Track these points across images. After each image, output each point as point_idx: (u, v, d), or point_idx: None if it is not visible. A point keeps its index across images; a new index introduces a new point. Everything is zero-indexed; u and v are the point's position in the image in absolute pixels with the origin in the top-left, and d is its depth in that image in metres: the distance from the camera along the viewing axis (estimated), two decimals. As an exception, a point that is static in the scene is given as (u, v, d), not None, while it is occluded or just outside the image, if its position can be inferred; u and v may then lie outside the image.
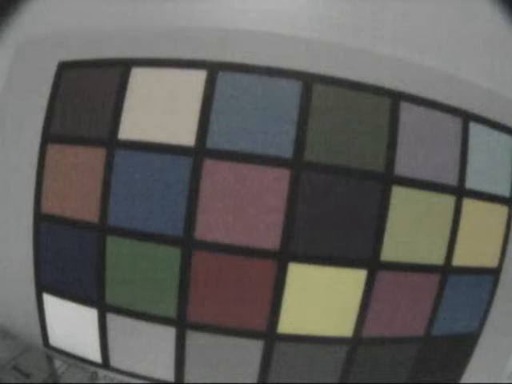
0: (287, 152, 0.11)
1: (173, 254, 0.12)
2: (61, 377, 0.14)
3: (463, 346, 0.14)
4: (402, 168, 0.11)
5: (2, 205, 0.14)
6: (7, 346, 0.16)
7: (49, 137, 0.13)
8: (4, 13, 0.14)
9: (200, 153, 0.11)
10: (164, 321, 0.12)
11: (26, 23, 0.14)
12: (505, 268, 0.14)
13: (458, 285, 0.13)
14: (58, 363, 0.16)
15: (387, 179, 0.11)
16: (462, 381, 0.15)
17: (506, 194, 0.13)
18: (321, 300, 0.12)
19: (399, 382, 0.14)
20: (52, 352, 0.14)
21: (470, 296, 0.14)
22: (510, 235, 0.14)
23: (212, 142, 0.11)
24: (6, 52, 0.14)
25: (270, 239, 0.11)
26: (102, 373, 0.14)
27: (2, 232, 0.14)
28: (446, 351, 0.14)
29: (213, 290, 0.12)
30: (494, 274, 0.14)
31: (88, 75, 0.12)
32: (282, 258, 0.11)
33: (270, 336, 0.12)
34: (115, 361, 0.13)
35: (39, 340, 0.14)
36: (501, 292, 0.14)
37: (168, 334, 0.12)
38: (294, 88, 0.11)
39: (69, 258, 0.13)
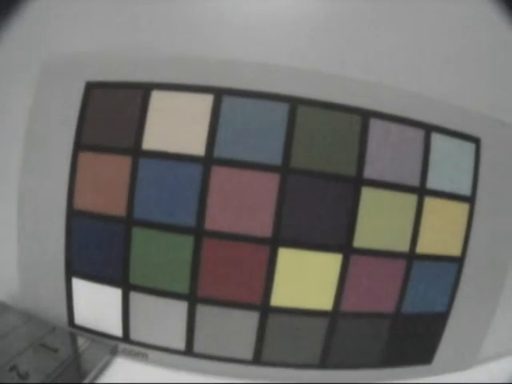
0: (277, 160, 0.15)
1: (186, 241, 0.16)
2: (84, 352, 0.17)
3: (433, 324, 0.18)
4: (370, 172, 0.16)
5: (39, 203, 0.17)
6: (32, 327, 0.18)
7: (80, 146, 0.16)
8: (4, 13, 0.17)
9: (208, 161, 0.15)
10: (178, 296, 0.16)
11: (50, 42, 0.17)
12: (468, 257, 0.18)
13: (423, 269, 0.17)
14: (80, 341, 0.18)
15: (358, 181, 0.16)
16: (435, 360, 0.18)
17: (468, 193, 0.17)
18: (305, 278, 0.16)
19: (376, 353, 0.18)
20: (77, 330, 0.18)
21: (436, 279, 0.17)
22: (472, 228, 0.17)
23: (218, 153, 0.15)
24: (32, 69, 0.17)
25: (264, 229, 0.15)
26: (121, 346, 0.18)
27: (37, 226, 0.17)
28: (416, 328, 0.18)
29: (219, 270, 0.16)
30: (457, 261, 0.17)
31: (114, 95, 0.16)
32: (273, 243, 0.16)
33: (264, 308, 0.16)
34: (134, 334, 0.17)
35: (65, 320, 0.18)
36: (466, 277, 0.18)
37: (181, 307, 0.16)
38: (282, 109, 0.15)
39: (98, 247, 0.17)
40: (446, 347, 0.19)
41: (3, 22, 0.18)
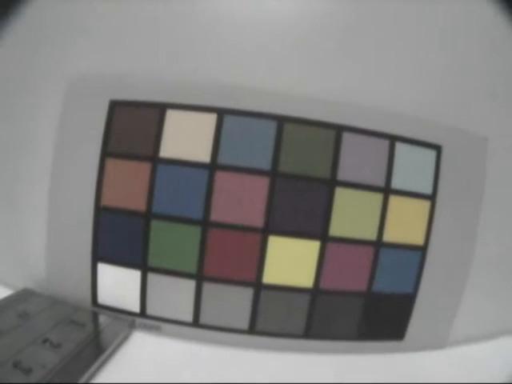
0: (267, 166, 0.20)
1: (195, 231, 0.20)
2: (106, 327, 0.20)
3: (402, 303, 0.22)
4: (342, 175, 0.20)
5: (69, 200, 0.21)
6: (59, 308, 0.21)
7: (106, 153, 0.20)
8: (4, 13, 0.19)
9: (213, 166, 0.20)
10: (187, 276, 0.20)
11: (77, 62, 0.21)
12: (431, 246, 0.21)
13: (389, 255, 0.21)
14: (102, 318, 0.21)
15: (332, 182, 0.20)
16: (407, 336, 0.22)
17: (429, 192, 0.21)
18: (290, 260, 0.20)
19: (352, 327, 0.21)
20: (99, 309, 0.21)
21: (402, 264, 0.21)
22: (434, 222, 0.21)
23: (221, 160, 0.19)
24: (60, 86, 0.21)
25: (257, 220, 0.20)
26: (138, 321, 0.21)
27: (67, 221, 0.21)
28: (387, 306, 0.21)
29: (221, 254, 0.20)
30: (421, 249, 0.21)
31: (135, 112, 0.20)
32: (264, 232, 0.20)
33: (257, 285, 0.20)
34: (150, 309, 0.21)
35: (89, 300, 0.21)
36: (430, 264, 0.21)
37: (189, 285, 0.20)
38: (271, 125, 0.20)
39: (122, 236, 0.20)
40: (415, 325, 0.22)
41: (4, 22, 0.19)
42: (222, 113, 0.20)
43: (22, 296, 0.22)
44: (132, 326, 0.21)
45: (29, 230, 0.23)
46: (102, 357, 0.18)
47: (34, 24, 0.21)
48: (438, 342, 0.23)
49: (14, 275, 0.23)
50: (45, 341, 0.18)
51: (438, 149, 0.21)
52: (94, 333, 0.20)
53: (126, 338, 0.21)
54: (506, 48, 0.21)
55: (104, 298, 0.22)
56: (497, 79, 0.22)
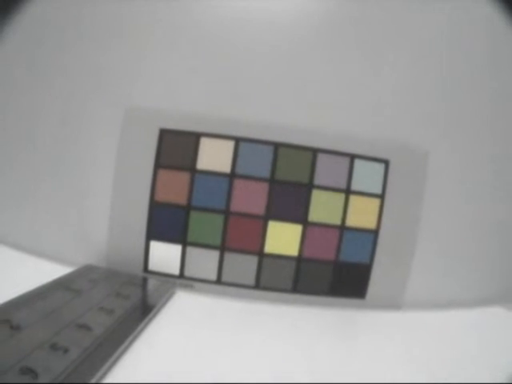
0: (267, 175, 0.29)
1: (220, 217, 0.29)
2: (156, 287, 0.28)
3: (361, 270, 0.30)
4: (317, 181, 0.29)
5: (131, 197, 0.29)
6: (120, 276, 0.28)
7: (158, 165, 0.28)
8: (5, 13, 0.22)
9: (232, 175, 0.28)
10: (214, 247, 0.29)
11: (133, 96, 0.30)
12: (381, 229, 0.30)
13: (350, 235, 0.29)
14: (152, 282, 0.28)
15: (310, 186, 0.29)
16: (368, 296, 0.30)
17: (379, 192, 0.30)
18: (282, 237, 0.29)
19: (325, 285, 0.30)
20: (149, 274, 0.30)
21: (360, 241, 0.30)
22: (383, 213, 0.30)
23: (237, 171, 0.28)
24: (118, 114, 0.30)
25: (261, 210, 0.29)
26: (178, 281, 0.29)
27: (129, 211, 0.29)
28: (350, 271, 0.30)
29: (237, 233, 0.29)
30: (374, 231, 0.30)
31: (179, 137, 0.27)
32: (265, 218, 0.29)
33: (260, 254, 0.29)
34: (187, 272, 0.29)
35: (141, 269, 0.30)
36: (381, 241, 0.30)
37: (215, 254, 0.29)
38: (270, 148, 0.29)
39: (169, 221, 0.28)
40: (374, 288, 0.30)
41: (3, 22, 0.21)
42: (238, 140, 0.29)
43: (87, 269, 0.28)
44: (174, 286, 0.28)
45: (93, 219, 0.31)
46: (157, 307, 0.25)
47: (98, 67, 0.30)
48: (395, 303, 0.30)
49: (77, 254, 0.31)
50: (117, 294, 0.24)
51: (386, 162, 0.30)
52: (149, 291, 0.27)
53: (171, 295, 0.28)
54: (443, 72, 0.29)
55: (153, 266, 0.30)
56: (437, 103, 0.30)
